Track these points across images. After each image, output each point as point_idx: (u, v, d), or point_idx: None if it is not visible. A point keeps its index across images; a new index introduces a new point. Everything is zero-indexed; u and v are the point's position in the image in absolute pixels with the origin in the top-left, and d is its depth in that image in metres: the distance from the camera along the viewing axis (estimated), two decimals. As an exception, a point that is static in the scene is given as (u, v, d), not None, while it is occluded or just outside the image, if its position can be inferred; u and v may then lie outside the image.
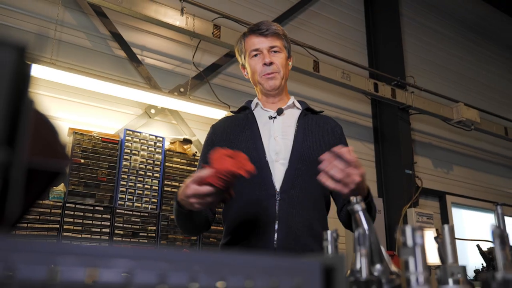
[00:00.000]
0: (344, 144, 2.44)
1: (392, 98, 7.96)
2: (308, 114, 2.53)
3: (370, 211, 2.08)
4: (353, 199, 1.34)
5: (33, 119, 0.53)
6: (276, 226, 2.13)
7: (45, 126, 0.60)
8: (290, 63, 2.58)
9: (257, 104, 2.55)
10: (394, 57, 8.72)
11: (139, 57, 6.14)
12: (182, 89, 6.29)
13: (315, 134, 2.42)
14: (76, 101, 5.52)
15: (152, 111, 6.01)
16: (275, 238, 2.11)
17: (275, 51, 2.42)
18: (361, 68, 8.15)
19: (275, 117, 2.43)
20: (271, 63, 2.38)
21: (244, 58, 2.51)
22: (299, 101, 2.61)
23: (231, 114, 2.68)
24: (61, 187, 4.92)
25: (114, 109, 5.77)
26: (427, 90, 8.66)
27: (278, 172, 2.24)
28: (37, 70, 4.82)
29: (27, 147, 0.49)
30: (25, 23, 5.42)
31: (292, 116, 2.49)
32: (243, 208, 2.24)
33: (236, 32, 6.33)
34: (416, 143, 8.86)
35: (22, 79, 0.49)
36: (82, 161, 5.01)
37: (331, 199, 2.52)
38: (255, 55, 2.43)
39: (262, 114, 2.48)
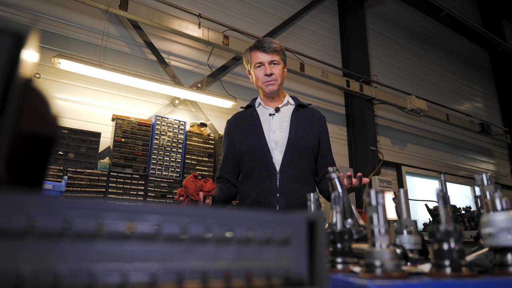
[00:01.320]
0: (325, 131, 2.61)
1: (360, 92, 7.95)
2: (299, 109, 2.61)
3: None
4: (330, 169, 1.34)
5: (28, 94, 0.53)
6: (278, 196, 2.28)
7: (39, 101, 0.60)
8: (285, 70, 2.64)
9: (259, 103, 2.63)
10: (361, 60, 8.67)
11: (166, 60, 6.13)
12: (199, 85, 6.29)
13: (305, 125, 2.50)
14: (118, 94, 5.52)
15: (176, 101, 6.01)
16: (276, 205, 2.26)
17: (274, 64, 2.50)
18: (336, 68, 8.13)
19: (273, 114, 2.53)
20: (271, 74, 2.47)
21: (250, 67, 2.58)
22: (292, 97, 2.69)
23: (241, 109, 2.75)
24: (106, 160, 4.94)
25: (147, 100, 5.77)
26: (387, 86, 8.65)
27: (277, 157, 2.37)
28: (88, 70, 4.82)
29: (17, 115, 0.48)
30: (80, 34, 5.42)
31: (287, 112, 2.57)
32: (254, 183, 2.37)
33: (241, 41, 6.33)
34: (378, 126, 8.87)
35: (15, 61, 0.48)
36: (123, 140, 5.02)
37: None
38: (259, 66, 2.51)
39: (263, 112, 2.58)
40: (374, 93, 8.18)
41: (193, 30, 5.85)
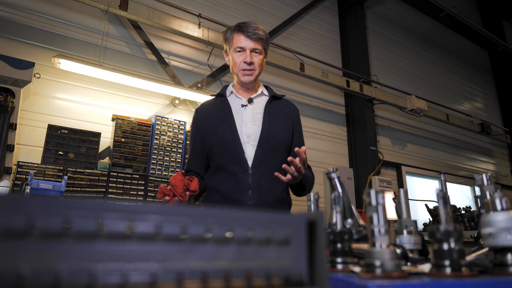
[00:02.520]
0: (299, 124, 2.50)
1: (360, 92, 7.95)
2: (273, 100, 2.47)
3: (304, 187, 2.30)
4: (329, 168, 1.34)
5: None
6: (250, 193, 2.15)
7: None
8: (265, 59, 2.47)
9: (231, 91, 2.48)
10: (361, 60, 8.68)
11: (166, 60, 6.13)
12: (199, 85, 6.29)
13: (278, 118, 2.38)
14: (118, 94, 5.53)
15: (176, 101, 6.01)
16: (248, 204, 2.13)
17: (256, 52, 2.35)
18: (336, 68, 8.14)
19: (246, 105, 2.39)
20: (251, 63, 2.33)
21: (229, 49, 2.42)
22: (266, 87, 2.56)
23: (211, 97, 2.58)
24: (106, 160, 4.94)
25: (147, 100, 5.77)
26: (387, 86, 8.66)
27: (249, 151, 2.23)
28: (88, 70, 4.83)
29: None
30: (80, 34, 5.42)
31: (260, 103, 2.43)
32: (224, 178, 2.22)
33: (241, 41, 6.34)
34: (378, 126, 8.87)
35: None
36: (123, 140, 5.02)
37: None
38: (239, 51, 2.35)
39: (235, 102, 2.43)
40: (374, 93, 8.18)
41: (193, 30, 5.84)
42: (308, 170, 2.39)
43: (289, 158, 1.96)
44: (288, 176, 2.01)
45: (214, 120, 2.36)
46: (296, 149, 1.97)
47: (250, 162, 2.21)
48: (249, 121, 2.33)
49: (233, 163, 2.22)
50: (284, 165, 1.98)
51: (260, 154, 2.23)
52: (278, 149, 2.29)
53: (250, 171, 2.19)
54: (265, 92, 2.52)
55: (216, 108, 2.43)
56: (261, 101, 2.45)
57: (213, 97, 2.56)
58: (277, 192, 2.24)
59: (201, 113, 2.47)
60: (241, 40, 2.34)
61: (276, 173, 2.01)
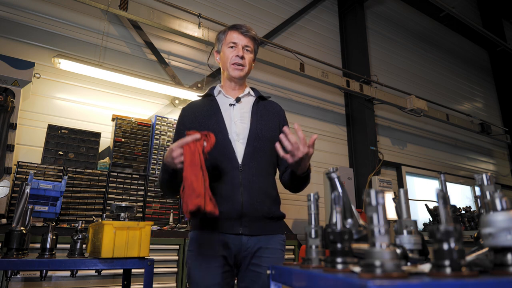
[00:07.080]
0: (286, 123, 2.52)
1: (360, 92, 7.96)
2: (260, 101, 2.54)
3: (306, 180, 2.29)
4: (329, 168, 1.34)
5: None
6: (241, 190, 2.18)
7: None
8: (253, 64, 2.58)
9: (219, 91, 2.55)
10: (361, 60, 8.69)
11: (166, 60, 6.13)
12: (199, 85, 6.29)
13: (265, 117, 2.44)
14: (118, 94, 5.53)
15: (176, 101, 6.01)
16: (241, 200, 2.15)
17: (247, 50, 2.46)
18: (336, 68, 8.14)
19: (234, 104, 2.44)
20: (242, 57, 2.42)
21: (221, 46, 2.53)
22: (252, 88, 2.63)
23: (198, 98, 2.61)
24: (106, 160, 4.95)
25: (147, 100, 5.77)
26: (387, 86, 8.67)
27: (239, 149, 2.27)
28: (88, 70, 4.83)
29: None
30: (80, 34, 5.44)
31: (247, 103, 2.48)
32: (213, 177, 2.20)
33: (241, 41, 6.35)
34: (378, 126, 8.86)
35: None
36: (123, 140, 5.02)
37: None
38: (232, 47, 2.46)
39: (223, 101, 2.47)
40: (374, 93, 8.18)
41: (193, 30, 5.84)
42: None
43: (282, 134, 1.98)
44: (289, 154, 2.00)
45: (203, 119, 2.39)
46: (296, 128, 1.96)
47: (240, 160, 2.24)
48: (238, 120, 2.38)
49: (223, 160, 2.24)
50: (277, 144, 1.99)
51: (250, 152, 2.26)
52: (266, 147, 2.33)
53: (241, 168, 2.22)
54: (252, 92, 2.58)
55: (204, 107, 2.47)
56: (248, 101, 2.51)
57: (200, 97, 2.59)
58: (267, 189, 2.27)
59: (189, 112, 2.49)
60: (234, 37, 2.47)
61: (277, 144, 2.01)
